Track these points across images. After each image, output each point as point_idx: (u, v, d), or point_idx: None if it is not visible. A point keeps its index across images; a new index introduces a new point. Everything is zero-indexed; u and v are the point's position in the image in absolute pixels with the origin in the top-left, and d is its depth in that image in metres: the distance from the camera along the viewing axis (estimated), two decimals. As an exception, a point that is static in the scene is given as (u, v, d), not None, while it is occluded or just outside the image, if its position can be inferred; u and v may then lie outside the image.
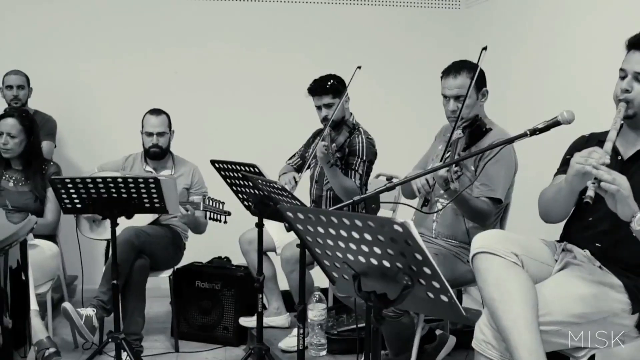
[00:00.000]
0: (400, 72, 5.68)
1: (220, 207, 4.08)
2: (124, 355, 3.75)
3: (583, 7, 3.95)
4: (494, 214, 3.31)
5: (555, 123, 2.56)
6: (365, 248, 1.97)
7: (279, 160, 4.61)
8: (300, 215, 2.09)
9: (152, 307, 4.99)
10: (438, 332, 3.82)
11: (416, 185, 3.16)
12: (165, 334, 4.67)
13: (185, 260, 4.71)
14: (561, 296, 2.45)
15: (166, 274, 4.42)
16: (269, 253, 4.31)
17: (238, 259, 4.51)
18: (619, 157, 2.66)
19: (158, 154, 4.49)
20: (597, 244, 2.63)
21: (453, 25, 5.77)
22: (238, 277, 4.48)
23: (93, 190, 3.54)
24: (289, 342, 3.92)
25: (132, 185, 3.52)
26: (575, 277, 2.52)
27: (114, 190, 3.54)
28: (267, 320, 4.28)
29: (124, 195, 3.56)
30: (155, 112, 4.48)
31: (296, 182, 4.13)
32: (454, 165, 2.91)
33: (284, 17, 5.70)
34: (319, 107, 4.26)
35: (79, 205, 3.65)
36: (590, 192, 2.23)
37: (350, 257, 2.06)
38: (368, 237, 1.91)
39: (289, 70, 5.45)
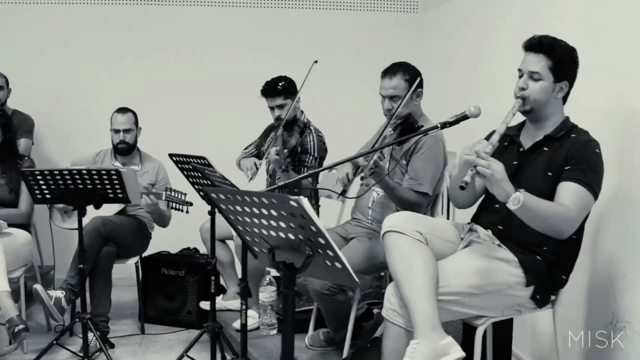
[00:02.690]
0: (359, 75, 5.77)
1: (182, 197, 4.34)
2: (90, 335, 4.04)
3: (535, 10, 4.06)
4: (424, 205, 3.61)
5: (463, 117, 2.86)
6: (274, 223, 2.29)
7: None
8: (222, 196, 2.42)
9: (123, 294, 5.31)
10: (376, 310, 4.13)
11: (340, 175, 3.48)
12: (133, 319, 4.98)
13: (155, 250, 5.07)
14: (460, 270, 2.77)
15: (132, 261, 4.73)
16: (227, 241, 4.60)
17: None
18: (521, 149, 2.98)
19: (125, 150, 4.81)
20: (499, 227, 2.94)
21: (411, 29, 5.97)
22: (200, 264, 4.80)
23: (61, 182, 3.84)
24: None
25: (95, 176, 3.83)
26: (474, 253, 2.84)
27: (79, 182, 3.84)
28: (226, 304, 4.60)
29: (89, 186, 3.87)
30: (122, 110, 4.80)
31: (257, 168, 4.36)
32: (371, 158, 3.19)
33: (247, 20, 5.95)
34: (272, 108, 4.53)
35: (48, 196, 3.96)
36: (467, 178, 2.54)
37: (264, 232, 2.38)
38: (274, 213, 2.24)
39: (252, 71, 5.46)
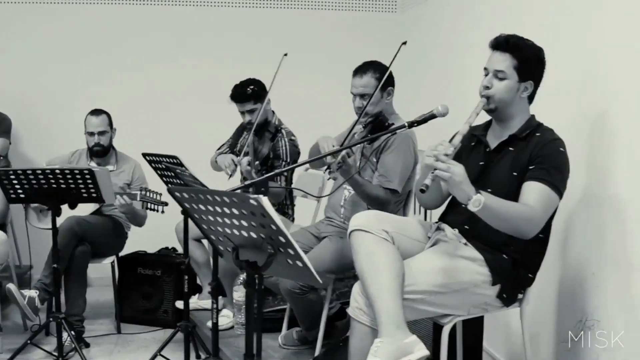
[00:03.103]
0: (339, 74, 5.69)
1: (157, 197, 4.34)
2: (65, 334, 4.04)
3: (513, 10, 4.05)
4: (392, 202, 3.61)
5: (431, 116, 2.87)
6: (236, 222, 2.30)
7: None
8: (186, 195, 2.42)
9: (101, 294, 5.31)
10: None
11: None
12: (110, 318, 4.97)
13: (134, 250, 5.08)
14: (426, 268, 2.77)
15: (108, 260, 4.73)
16: (203, 240, 4.61)
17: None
18: (487, 149, 2.99)
19: (100, 152, 4.80)
20: (465, 226, 2.95)
21: (390, 28, 5.95)
22: (177, 263, 4.80)
23: (34, 182, 3.83)
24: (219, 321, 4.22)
25: (69, 176, 3.83)
26: (441, 252, 2.85)
27: (53, 181, 3.84)
28: (201, 303, 4.61)
29: (63, 186, 3.86)
30: (96, 112, 4.79)
31: (235, 165, 4.29)
32: (339, 153, 3.20)
33: (224, 20, 5.96)
34: (242, 113, 4.52)
35: (22, 196, 3.95)
36: (427, 181, 2.54)
37: (228, 230, 2.39)
38: (236, 212, 2.25)
39: (229, 70, 5.38)
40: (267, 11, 6.01)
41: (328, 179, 3.72)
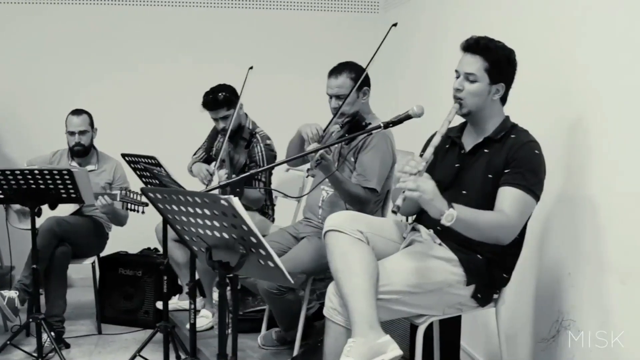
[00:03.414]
0: (319, 75, 5.71)
1: (138, 198, 4.34)
2: (45, 335, 4.03)
3: (491, 13, 4.04)
4: (372, 201, 3.63)
5: (406, 117, 2.88)
6: (208, 222, 2.32)
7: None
8: (159, 196, 2.43)
9: (83, 295, 5.30)
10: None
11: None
12: (91, 319, 4.95)
13: (116, 250, 5.08)
14: (400, 269, 2.78)
15: (89, 261, 4.72)
16: (184, 241, 4.59)
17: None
18: (462, 151, 3.00)
19: (81, 152, 4.79)
20: (438, 227, 2.92)
21: (371, 29, 5.89)
22: (158, 264, 4.76)
23: (13, 182, 3.83)
24: (198, 322, 4.21)
25: (48, 176, 3.82)
26: (415, 252, 2.86)
27: (32, 182, 3.83)
28: (182, 304, 4.61)
29: (42, 186, 3.86)
30: (77, 112, 4.78)
31: (211, 175, 4.34)
32: (318, 152, 3.22)
33: (203, 21, 5.95)
34: (216, 120, 4.53)
35: (1, 196, 3.94)
36: (398, 201, 2.54)
37: (201, 231, 2.40)
38: (207, 212, 2.26)
39: (208, 72, 5.41)
40: (244, 11, 6.01)
41: (307, 177, 3.73)
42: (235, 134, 4.47)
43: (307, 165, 3.62)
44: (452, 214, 2.54)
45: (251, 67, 4.11)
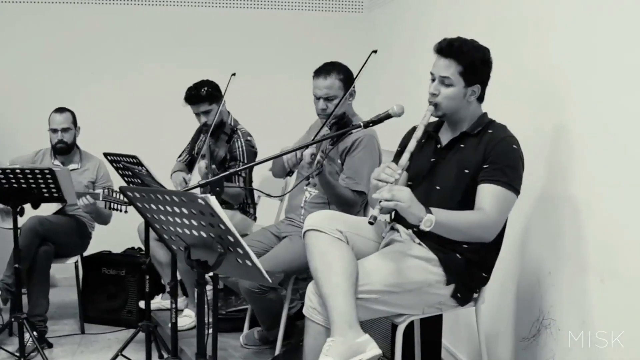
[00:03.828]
0: (302, 74, 5.63)
1: (120, 197, 4.32)
2: (27, 335, 4.01)
3: (480, 11, 4.00)
4: (359, 203, 3.64)
5: (387, 116, 2.89)
6: (186, 221, 2.31)
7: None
8: (137, 195, 2.43)
9: (67, 294, 5.29)
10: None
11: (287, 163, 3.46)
12: (75, 318, 4.93)
13: (99, 249, 5.06)
14: (380, 268, 2.78)
15: (72, 260, 4.70)
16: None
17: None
18: (439, 145, 3.00)
19: (64, 150, 4.77)
20: (415, 228, 2.91)
21: (355, 28, 5.98)
22: (141, 263, 4.75)
23: (-5, 181, 3.83)
24: (181, 321, 4.22)
25: (29, 175, 3.82)
26: (395, 252, 2.86)
27: (13, 181, 3.83)
28: (164, 303, 4.61)
29: (24, 186, 3.85)
30: (60, 110, 4.76)
31: (187, 183, 4.37)
32: (312, 155, 3.23)
33: (192, 20, 5.93)
34: (197, 114, 4.54)
35: (-17, 195, 3.93)
36: (375, 212, 2.55)
37: (179, 230, 2.40)
38: (185, 211, 2.26)
39: (195, 71, 5.16)
40: (229, 11, 6.00)
41: (306, 188, 3.73)
42: (217, 129, 4.49)
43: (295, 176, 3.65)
44: (431, 219, 2.55)
45: (234, 74, 4.10)
